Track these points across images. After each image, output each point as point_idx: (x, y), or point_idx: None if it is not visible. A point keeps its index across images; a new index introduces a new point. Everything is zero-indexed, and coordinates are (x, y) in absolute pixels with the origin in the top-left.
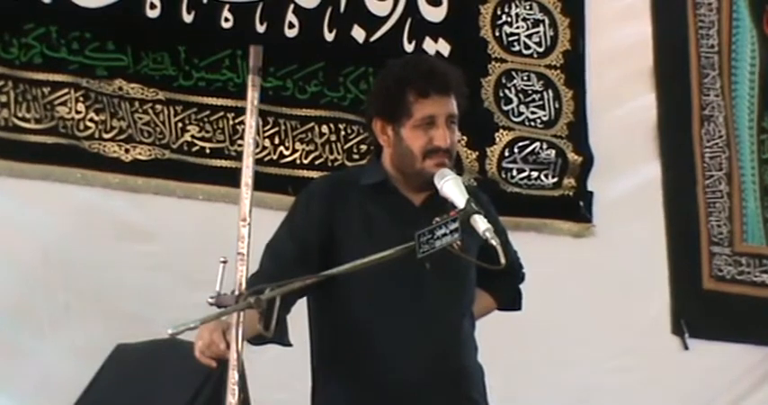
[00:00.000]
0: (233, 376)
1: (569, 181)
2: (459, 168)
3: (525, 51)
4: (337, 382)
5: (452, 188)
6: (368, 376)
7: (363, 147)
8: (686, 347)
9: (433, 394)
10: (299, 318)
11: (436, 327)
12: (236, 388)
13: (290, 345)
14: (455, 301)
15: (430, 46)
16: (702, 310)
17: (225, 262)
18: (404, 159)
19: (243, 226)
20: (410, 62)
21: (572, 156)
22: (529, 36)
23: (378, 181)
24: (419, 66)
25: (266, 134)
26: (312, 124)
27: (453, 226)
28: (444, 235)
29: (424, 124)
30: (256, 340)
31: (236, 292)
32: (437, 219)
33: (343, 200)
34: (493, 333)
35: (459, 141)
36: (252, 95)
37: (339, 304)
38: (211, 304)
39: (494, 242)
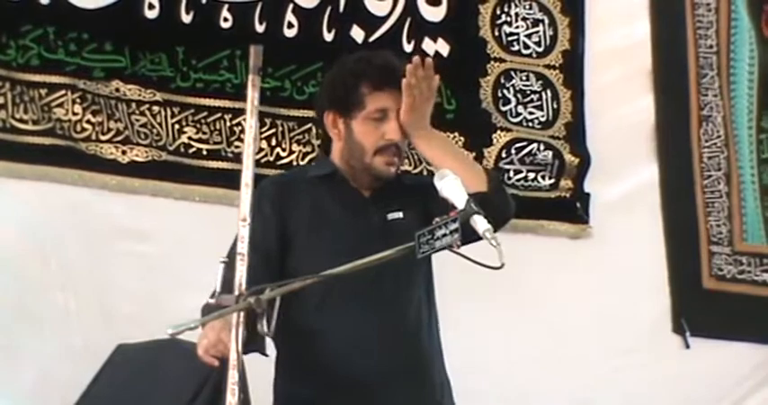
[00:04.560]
0: (233, 376)
1: (566, 182)
2: None
3: (524, 51)
4: (294, 379)
5: (452, 188)
6: (321, 371)
7: None
8: (687, 346)
9: (390, 385)
10: None
11: (388, 317)
12: (236, 388)
13: (266, 355)
14: (406, 288)
15: (429, 46)
16: (703, 309)
17: (224, 262)
18: (353, 153)
19: (243, 226)
20: (364, 57)
21: (569, 157)
22: (528, 36)
23: (327, 172)
24: (373, 60)
25: (263, 135)
26: (309, 125)
27: (453, 226)
28: (444, 235)
29: (376, 117)
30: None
31: (236, 293)
32: (437, 219)
33: (292, 196)
34: (491, 333)
35: (456, 142)
36: (252, 95)
37: (291, 300)
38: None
39: (494, 243)
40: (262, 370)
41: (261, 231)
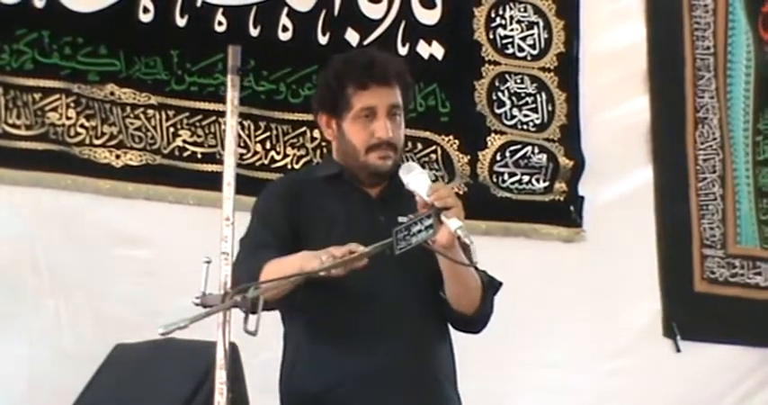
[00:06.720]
0: (221, 376)
1: (560, 185)
2: (450, 172)
3: (519, 54)
4: (299, 376)
5: (419, 182)
6: (325, 369)
7: None
8: (678, 350)
9: (394, 381)
10: None
11: (392, 311)
12: (225, 387)
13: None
14: (412, 286)
15: (424, 49)
16: (694, 312)
17: (209, 262)
18: (348, 153)
19: (226, 225)
20: (351, 56)
21: (563, 160)
22: (523, 38)
23: (332, 173)
24: (358, 58)
25: (258, 139)
26: (304, 129)
27: (428, 222)
28: (420, 231)
29: (364, 116)
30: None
31: (222, 292)
32: (411, 215)
33: (300, 197)
34: (484, 337)
35: (450, 145)
36: (231, 95)
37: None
38: (197, 304)
39: (467, 241)
40: (257, 371)
41: (274, 221)
